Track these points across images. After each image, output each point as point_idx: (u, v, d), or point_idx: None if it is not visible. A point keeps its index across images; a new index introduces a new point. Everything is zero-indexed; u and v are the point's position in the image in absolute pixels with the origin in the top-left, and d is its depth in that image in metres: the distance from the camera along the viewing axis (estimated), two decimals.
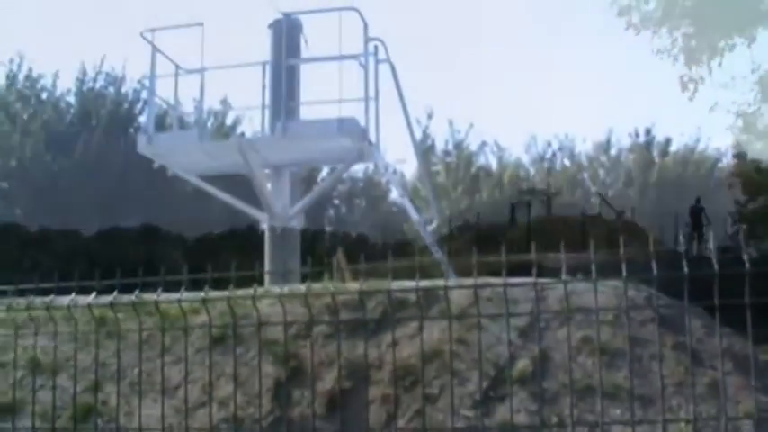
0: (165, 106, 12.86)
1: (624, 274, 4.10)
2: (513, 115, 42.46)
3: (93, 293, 5.00)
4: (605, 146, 30.26)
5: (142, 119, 25.59)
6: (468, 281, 6.60)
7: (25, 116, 25.20)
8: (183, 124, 13.93)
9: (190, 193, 15.48)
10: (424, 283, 6.65)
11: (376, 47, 10.95)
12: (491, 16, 48.86)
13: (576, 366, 6.09)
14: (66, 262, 22.58)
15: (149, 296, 4.96)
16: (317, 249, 22.86)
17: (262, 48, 11.88)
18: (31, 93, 25.84)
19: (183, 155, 11.40)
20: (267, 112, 11.41)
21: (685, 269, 3.84)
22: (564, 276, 4.27)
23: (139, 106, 25.79)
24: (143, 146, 11.25)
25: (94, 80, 25.79)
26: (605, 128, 30.15)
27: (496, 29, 47.69)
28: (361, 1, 10.53)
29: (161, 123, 17.25)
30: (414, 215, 11.56)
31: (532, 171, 29.43)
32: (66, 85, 26.30)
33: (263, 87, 11.36)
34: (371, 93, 10.68)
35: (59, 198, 23.21)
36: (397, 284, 5.90)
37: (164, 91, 11.88)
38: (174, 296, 4.92)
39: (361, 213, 25.89)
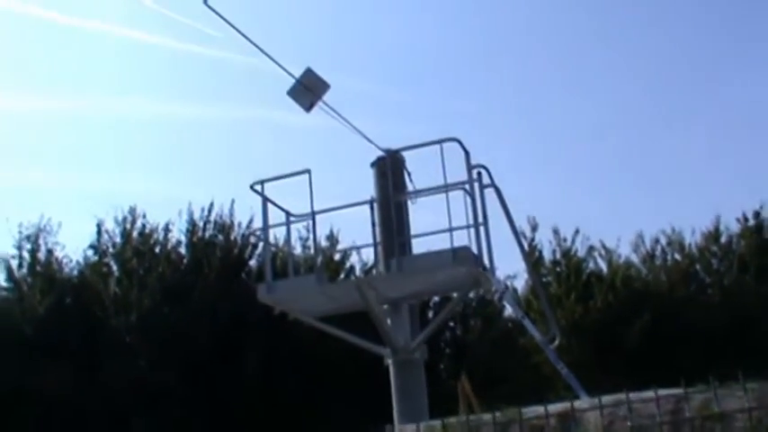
0: (275, 248, 13.23)
1: None
2: (617, 215, 42.08)
3: None
4: (714, 234, 29.65)
5: (252, 262, 26.23)
6: (609, 399, 6.57)
7: (141, 271, 26.07)
8: (296, 266, 14.29)
9: (309, 332, 15.72)
10: (559, 406, 6.64)
11: (479, 173, 11.14)
12: (583, 112, 49.03)
13: None
14: (190, 410, 22.97)
15: None
16: (439, 376, 22.81)
17: (363, 184, 12.21)
18: (144, 248, 26.74)
19: (302, 299, 11.64)
20: (379, 248, 11.66)
21: None
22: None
23: (249, 251, 26.52)
24: (263, 295, 11.51)
25: (203, 229, 26.63)
26: (712, 215, 29.49)
27: (586, 125, 47.73)
28: (458, 121, 10.77)
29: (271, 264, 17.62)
30: (535, 334, 11.53)
31: (644, 270, 28.97)
32: (176, 237, 27.09)
33: (373, 225, 11.62)
34: (480, 218, 10.83)
35: (179, 348, 23.71)
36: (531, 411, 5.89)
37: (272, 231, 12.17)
38: None
39: (478, 333, 25.77)
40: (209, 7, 10.33)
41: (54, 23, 47.50)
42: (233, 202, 26.87)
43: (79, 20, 46.95)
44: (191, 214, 26.95)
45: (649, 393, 4.74)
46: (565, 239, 28.81)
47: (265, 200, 11.53)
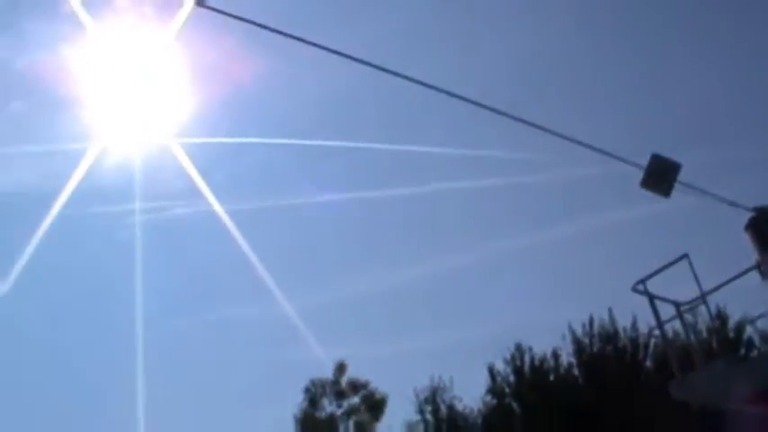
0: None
1: None
2: None
3: None
4: None
5: (648, 363, 25.57)
6: None
7: (540, 403, 26.18)
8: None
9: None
10: None
11: None
12: None
13: None
14: None
15: None
16: None
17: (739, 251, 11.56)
18: (537, 379, 26.92)
19: (718, 387, 10.99)
20: None
21: None
22: None
23: (641, 352, 25.92)
24: (677, 392, 11.10)
25: (590, 345, 26.40)
26: None
27: None
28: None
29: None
30: None
31: None
32: (566, 360, 27.07)
33: None
34: None
35: None
36: None
37: None
38: None
39: None
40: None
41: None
42: (610, 310, 26.51)
43: None
44: (573, 333, 26.84)
45: None
46: None
47: (651, 297, 11.11)
